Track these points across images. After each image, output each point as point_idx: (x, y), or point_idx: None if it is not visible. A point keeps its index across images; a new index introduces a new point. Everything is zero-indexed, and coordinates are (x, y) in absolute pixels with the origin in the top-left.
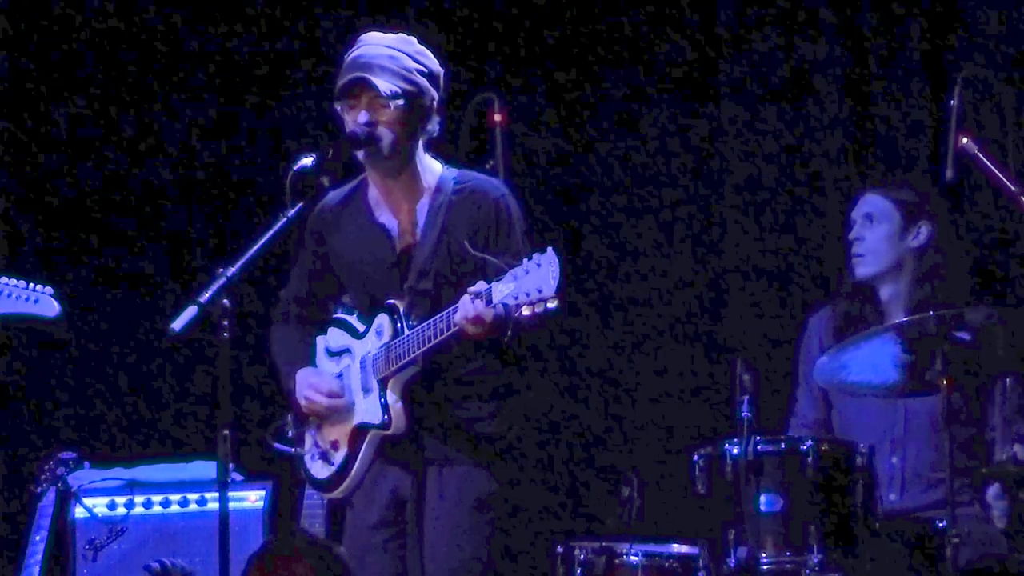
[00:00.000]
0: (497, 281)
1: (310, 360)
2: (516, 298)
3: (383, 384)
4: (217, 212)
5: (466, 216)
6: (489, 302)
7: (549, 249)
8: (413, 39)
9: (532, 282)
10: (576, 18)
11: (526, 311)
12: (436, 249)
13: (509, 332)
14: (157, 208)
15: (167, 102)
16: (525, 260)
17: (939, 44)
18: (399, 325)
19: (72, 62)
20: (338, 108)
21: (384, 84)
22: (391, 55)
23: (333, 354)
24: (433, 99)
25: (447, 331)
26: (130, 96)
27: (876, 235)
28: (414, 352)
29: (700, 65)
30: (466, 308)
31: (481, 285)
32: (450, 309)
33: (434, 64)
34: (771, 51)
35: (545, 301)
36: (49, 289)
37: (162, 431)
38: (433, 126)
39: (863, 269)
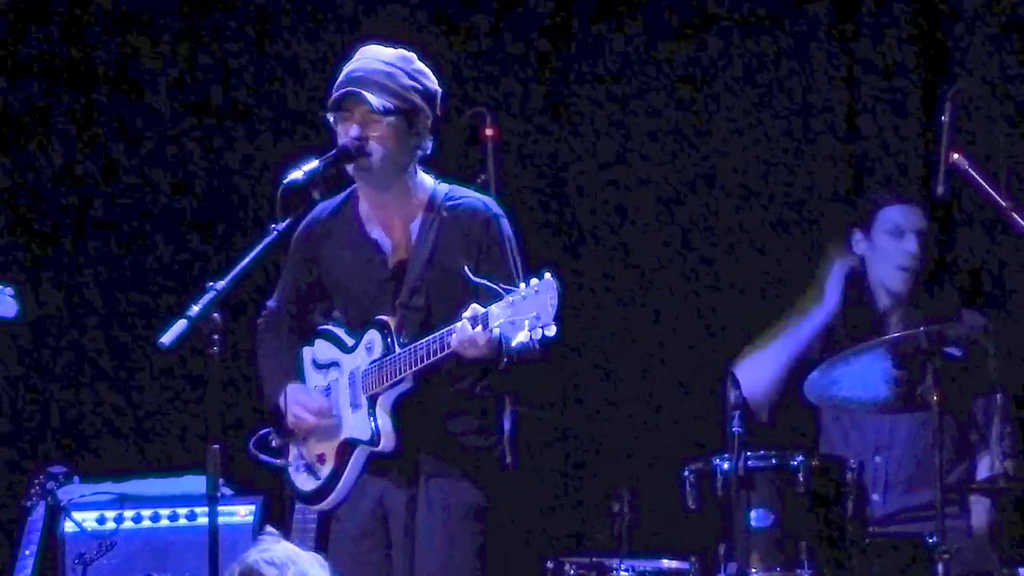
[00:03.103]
0: (494, 305)
1: (297, 371)
2: (513, 323)
3: (372, 401)
4: (209, 225)
5: (458, 234)
6: (486, 326)
7: (547, 275)
8: (413, 56)
9: (530, 308)
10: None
11: (523, 336)
12: (428, 266)
13: (505, 358)
14: (148, 221)
15: (159, 112)
16: (523, 285)
17: (931, 60)
18: (390, 342)
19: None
20: (331, 120)
21: (377, 99)
22: (387, 71)
23: (320, 366)
24: (428, 118)
25: (441, 352)
26: (124, 104)
27: (925, 252)
28: (406, 371)
29: (692, 74)
30: (463, 331)
31: (477, 309)
32: (445, 331)
33: (432, 83)
34: (763, 61)
35: (543, 327)
36: (10, 289)
37: (152, 445)
38: (426, 145)
39: (905, 286)
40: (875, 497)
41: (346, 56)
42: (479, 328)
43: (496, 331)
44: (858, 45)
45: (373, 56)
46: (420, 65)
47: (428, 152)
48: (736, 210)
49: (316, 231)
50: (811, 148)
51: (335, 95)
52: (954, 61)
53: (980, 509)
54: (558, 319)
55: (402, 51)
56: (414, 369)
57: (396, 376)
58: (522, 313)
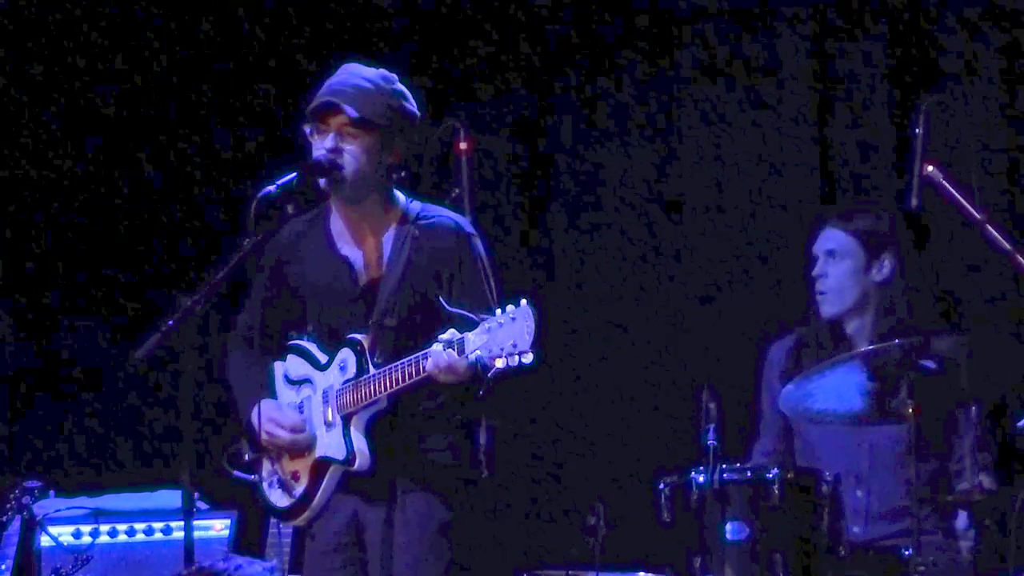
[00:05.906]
0: (470, 332)
1: (268, 388)
2: (490, 351)
3: (347, 420)
4: (182, 240)
5: (430, 252)
6: (462, 352)
7: (523, 302)
8: (395, 76)
9: (507, 336)
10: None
11: (499, 363)
12: (401, 285)
13: (483, 388)
14: (122, 236)
15: (135, 127)
16: (499, 312)
17: (904, 71)
18: (364, 362)
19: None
20: (307, 131)
21: (354, 111)
22: (367, 87)
23: (292, 382)
24: (405, 138)
25: (416, 376)
26: (97, 117)
27: (839, 271)
28: (380, 393)
29: (660, 89)
30: (438, 357)
31: (453, 334)
32: (420, 354)
33: (410, 104)
34: (733, 79)
35: (520, 355)
36: None
37: (127, 460)
38: (401, 164)
39: (828, 308)
40: (856, 530)
41: (328, 72)
42: (455, 354)
43: (473, 358)
44: (831, 56)
45: (355, 71)
46: (401, 86)
47: (403, 173)
48: (710, 225)
49: (286, 247)
50: (783, 163)
51: (313, 105)
52: (928, 72)
53: (956, 522)
54: (535, 346)
55: (384, 70)
56: (388, 392)
57: (371, 398)
58: (499, 341)
